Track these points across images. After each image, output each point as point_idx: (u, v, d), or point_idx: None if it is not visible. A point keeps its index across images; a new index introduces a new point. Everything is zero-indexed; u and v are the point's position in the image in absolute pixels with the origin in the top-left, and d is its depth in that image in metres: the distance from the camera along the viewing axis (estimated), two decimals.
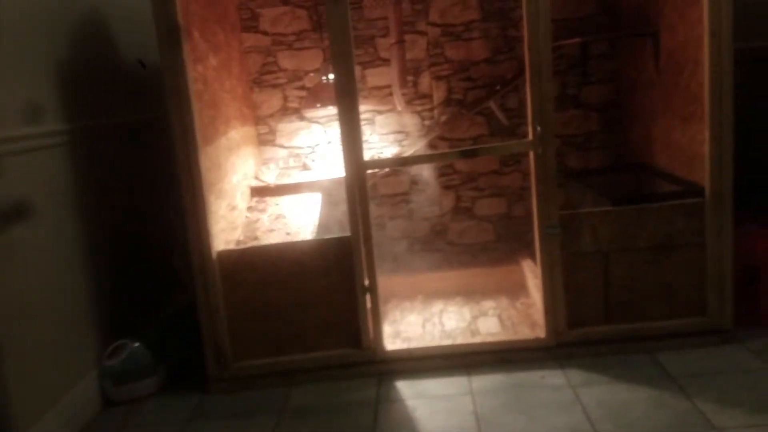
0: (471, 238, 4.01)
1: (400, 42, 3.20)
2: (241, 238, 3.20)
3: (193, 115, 2.39)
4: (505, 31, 3.65)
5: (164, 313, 3.16)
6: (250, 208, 3.47)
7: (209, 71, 2.86)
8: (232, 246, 3.04)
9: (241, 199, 3.34)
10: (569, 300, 2.47)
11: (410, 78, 3.76)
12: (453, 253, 4.03)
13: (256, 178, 3.72)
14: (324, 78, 3.29)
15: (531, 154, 2.41)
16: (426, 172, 3.89)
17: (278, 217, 3.36)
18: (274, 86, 3.88)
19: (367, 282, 2.56)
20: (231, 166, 3.15)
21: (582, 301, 2.49)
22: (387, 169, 3.77)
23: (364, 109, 3.86)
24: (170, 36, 2.30)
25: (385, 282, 3.70)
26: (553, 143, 2.36)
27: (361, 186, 2.47)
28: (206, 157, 2.66)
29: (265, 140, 3.97)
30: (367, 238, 2.52)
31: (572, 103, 3.73)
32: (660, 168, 2.98)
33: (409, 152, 3.74)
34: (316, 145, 3.95)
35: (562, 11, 3.57)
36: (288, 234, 3.19)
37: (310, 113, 3.91)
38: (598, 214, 2.43)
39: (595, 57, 3.63)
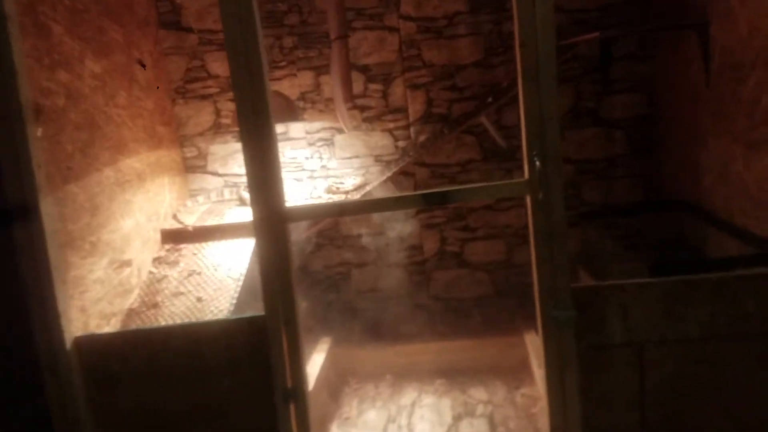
0: (461, 292, 3.38)
1: (342, 38, 2.60)
2: (135, 305, 2.58)
3: (29, 143, 1.79)
4: (500, 26, 3.07)
5: (19, 418, 2.51)
6: (157, 261, 2.85)
7: (84, 80, 2.27)
8: (117, 320, 2.42)
9: (142, 249, 2.72)
10: (589, 415, 1.84)
11: (378, 87, 3.17)
12: (437, 310, 3.40)
13: (174, 218, 3.11)
14: None
15: (528, 200, 1.79)
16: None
17: (191, 273, 2.74)
18: (203, 97, 3.30)
19: (290, 384, 1.93)
20: (123, 207, 2.55)
21: (608, 417, 1.85)
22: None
23: (320, 126, 3.27)
24: None
25: (344, 356, 3.07)
26: (559, 183, 1.75)
27: (281, 246, 1.86)
28: (65, 200, 2.06)
29: (193, 166, 3.37)
30: (290, 320, 1.89)
31: (590, 119, 3.12)
32: (713, 211, 2.36)
33: (376, 183, 3.14)
34: None
35: None
36: (199, 300, 2.57)
37: None
38: (630, 288, 1.80)
39: (620, 58, 3.04)
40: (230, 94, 3.26)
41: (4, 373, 2.59)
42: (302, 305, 3.08)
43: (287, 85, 3.19)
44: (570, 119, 3.11)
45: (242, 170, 3.41)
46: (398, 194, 2.22)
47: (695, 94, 2.46)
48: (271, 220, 1.83)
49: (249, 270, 2.67)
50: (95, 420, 2.05)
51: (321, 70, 3.19)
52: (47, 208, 1.88)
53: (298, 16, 3.10)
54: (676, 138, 2.75)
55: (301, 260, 3.43)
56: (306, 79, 3.19)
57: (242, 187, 3.34)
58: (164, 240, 2.97)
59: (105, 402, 2.05)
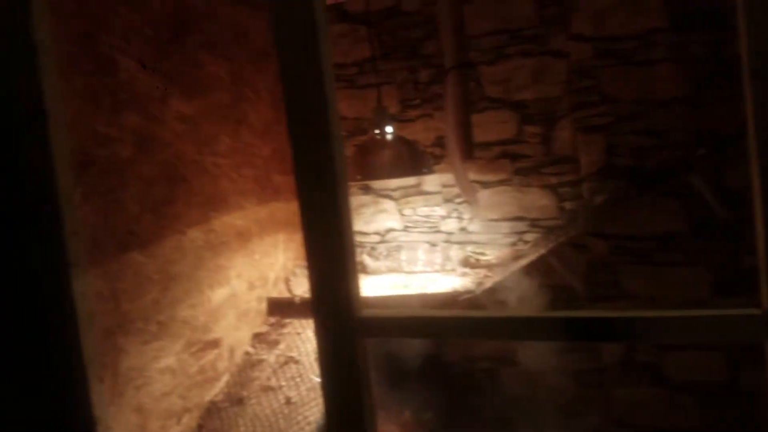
0: (654, 420, 2.53)
1: (459, 68, 2.03)
2: (219, 397, 2.25)
3: (63, 209, 1.55)
4: (718, 49, 2.27)
5: None
6: (257, 338, 2.52)
7: (166, 125, 2.04)
8: (192, 417, 2.11)
9: (238, 324, 2.42)
10: None
11: (536, 130, 2.55)
12: None
13: (286, 284, 2.80)
14: (377, 132, 2.27)
15: (767, 349, 1.04)
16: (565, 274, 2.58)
17: (288, 361, 2.36)
18: None
19: None
20: (214, 275, 2.26)
21: None
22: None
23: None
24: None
25: None
26: None
27: (349, 368, 1.34)
28: (121, 273, 1.80)
29: None
30: None
31: None
32: None
33: (531, 257, 2.49)
34: (387, 231, 2.93)
35: None
36: (288, 401, 2.16)
37: (377, 184, 2.92)
38: None
39: None
40: (356, 138, 2.90)
41: None
42: (426, 416, 2.52)
43: (421, 128, 2.73)
44: None
45: (367, 227, 3.04)
46: (529, 314, 1.55)
47: None
48: (337, 332, 1.33)
49: None
50: None
51: None
52: (80, 287, 1.61)
53: (436, 44, 2.64)
54: None
55: (432, 346, 2.89)
56: (444, 121, 2.70)
57: (366, 250, 2.93)
58: (271, 311, 2.65)
59: None
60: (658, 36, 2.32)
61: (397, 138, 2.29)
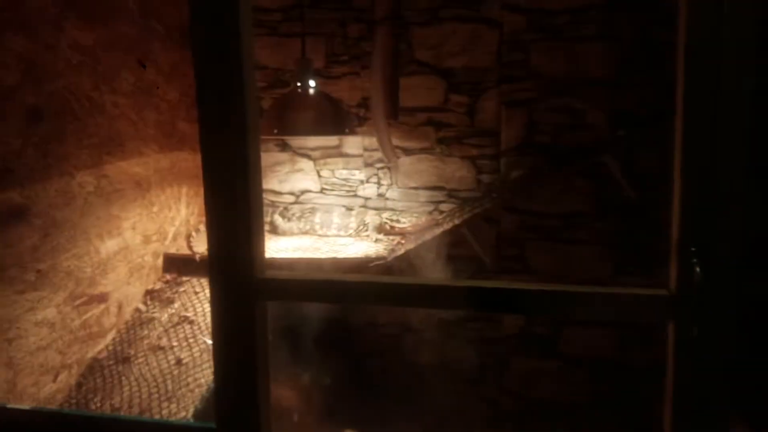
0: (545, 391, 2.65)
1: (389, 20, 1.99)
2: (103, 354, 2.13)
3: None
4: (649, 31, 2.33)
5: None
6: (150, 295, 2.40)
7: (59, 53, 1.85)
8: (71, 374, 1.98)
9: (130, 279, 2.28)
10: None
11: (463, 99, 2.54)
12: (508, 410, 2.70)
13: (187, 240, 2.67)
14: (299, 85, 2.17)
15: (669, 330, 1.09)
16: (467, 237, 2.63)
17: (183, 321, 2.26)
18: None
19: None
20: (104, 224, 2.11)
21: None
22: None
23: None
24: None
25: None
26: (732, 314, 1.03)
27: (247, 333, 1.28)
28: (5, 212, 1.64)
29: None
30: None
31: None
32: None
33: (445, 226, 2.51)
34: (302, 192, 2.85)
35: None
36: (178, 362, 2.08)
37: (295, 142, 2.82)
38: None
39: None
40: (276, 90, 2.78)
41: None
42: (324, 380, 2.52)
43: (346, 87, 2.65)
44: None
45: (281, 186, 2.94)
46: (435, 282, 1.52)
47: None
48: (236, 294, 1.26)
49: None
50: None
51: None
52: None
53: None
54: None
55: (337, 311, 2.87)
56: (371, 80, 2.63)
57: (278, 210, 2.84)
58: (167, 268, 2.52)
59: None
60: (592, 13, 2.35)
61: (320, 94, 2.21)
